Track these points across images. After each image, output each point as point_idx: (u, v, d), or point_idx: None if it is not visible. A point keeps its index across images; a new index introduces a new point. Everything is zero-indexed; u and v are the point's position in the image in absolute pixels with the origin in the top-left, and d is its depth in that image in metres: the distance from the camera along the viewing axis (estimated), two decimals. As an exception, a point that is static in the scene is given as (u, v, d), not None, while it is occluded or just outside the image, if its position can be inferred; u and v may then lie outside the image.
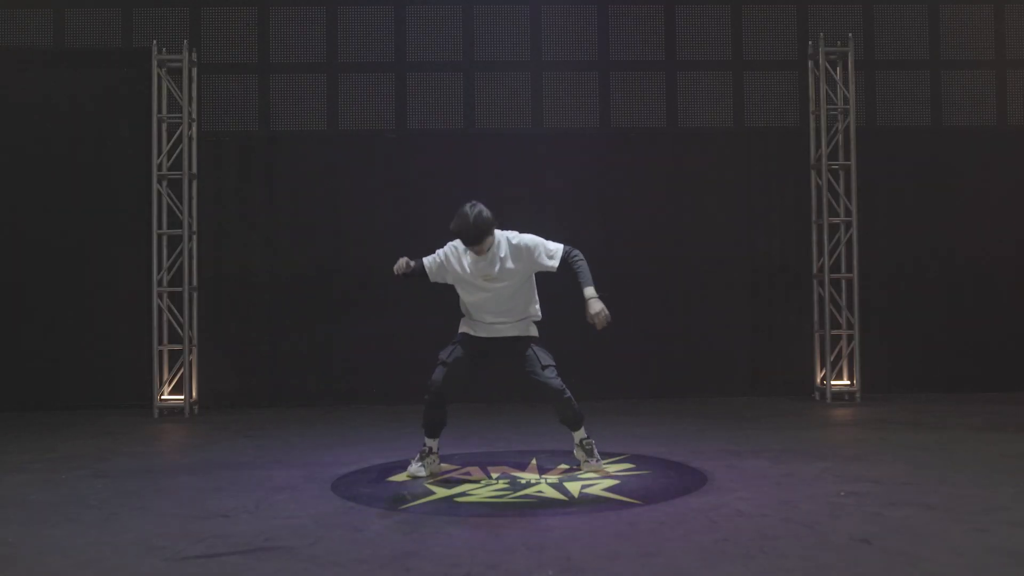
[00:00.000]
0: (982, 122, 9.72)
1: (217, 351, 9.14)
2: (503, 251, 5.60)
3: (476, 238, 5.50)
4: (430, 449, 5.82)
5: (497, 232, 5.60)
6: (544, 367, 5.64)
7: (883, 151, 9.51)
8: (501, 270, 5.60)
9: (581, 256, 5.63)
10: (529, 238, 5.64)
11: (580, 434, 5.84)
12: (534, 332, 5.80)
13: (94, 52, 9.27)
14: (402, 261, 5.69)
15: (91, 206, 9.17)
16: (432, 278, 5.78)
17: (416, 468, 5.78)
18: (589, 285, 5.55)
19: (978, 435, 7.05)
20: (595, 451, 5.88)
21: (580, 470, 5.86)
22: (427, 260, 5.75)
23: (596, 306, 5.50)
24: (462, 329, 5.80)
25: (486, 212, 5.49)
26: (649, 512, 4.88)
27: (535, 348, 5.71)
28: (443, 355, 5.72)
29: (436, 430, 5.81)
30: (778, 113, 9.64)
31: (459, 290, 5.76)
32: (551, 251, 5.62)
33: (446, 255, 5.71)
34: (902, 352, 9.48)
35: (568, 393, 5.69)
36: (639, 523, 4.66)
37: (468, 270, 5.64)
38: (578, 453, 5.89)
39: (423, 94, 9.53)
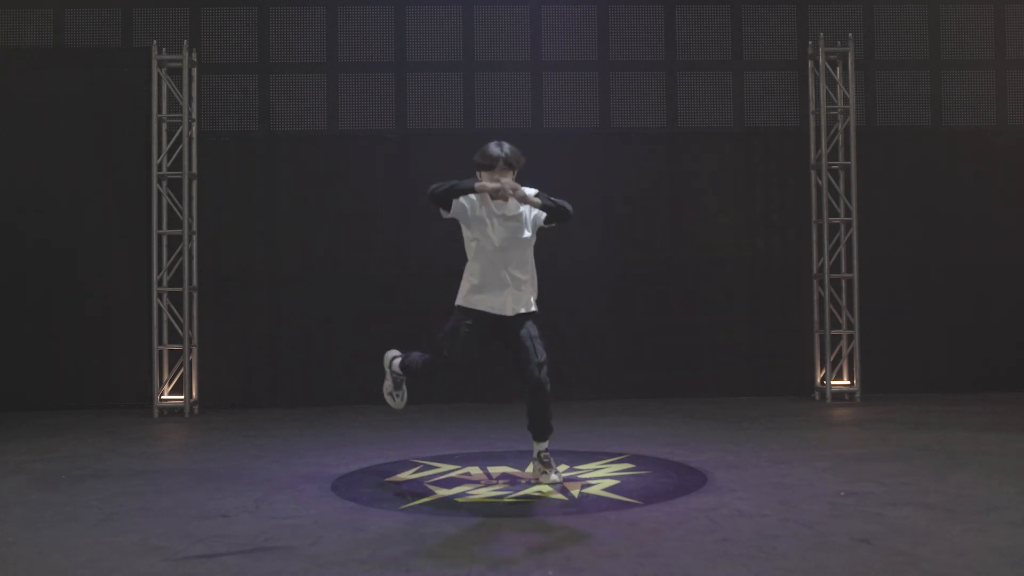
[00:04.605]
0: (982, 122, 9.71)
1: (217, 351, 9.14)
2: (531, 192, 5.43)
3: (513, 160, 5.43)
4: (404, 380, 5.88)
5: None
6: (540, 363, 5.32)
7: (883, 151, 9.52)
8: (522, 212, 5.45)
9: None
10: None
11: (543, 446, 5.54)
12: (535, 307, 5.48)
13: (94, 52, 9.26)
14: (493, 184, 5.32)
15: (91, 206, 9.19)
16: (451, 211, 5.36)
17: (399, 402, 5.96)
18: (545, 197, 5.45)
19: (978, 435, 7.04)
20: (552, 462, 5.58)
21: (540, 484, 5.49)
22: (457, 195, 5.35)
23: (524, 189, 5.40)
24: (471, 304, 5.39)
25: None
26: (649, 512, 4.88)
27: (533, 336, 5.38)
28: (447, 335, 5.38)
29: (422, 382, 5.81)
30: (778, 113, 9.64)
31: (480, 235, 5.38)
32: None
33: (467, 198, 5.37)
34: (902, 352, 9.48)
35: (549, 388, 5.39)
36: (639, 523, 4.66)
37: (488, 208, 5.39)
38: (535, 467, 5.57)
39: (423, 94, 9.53)
